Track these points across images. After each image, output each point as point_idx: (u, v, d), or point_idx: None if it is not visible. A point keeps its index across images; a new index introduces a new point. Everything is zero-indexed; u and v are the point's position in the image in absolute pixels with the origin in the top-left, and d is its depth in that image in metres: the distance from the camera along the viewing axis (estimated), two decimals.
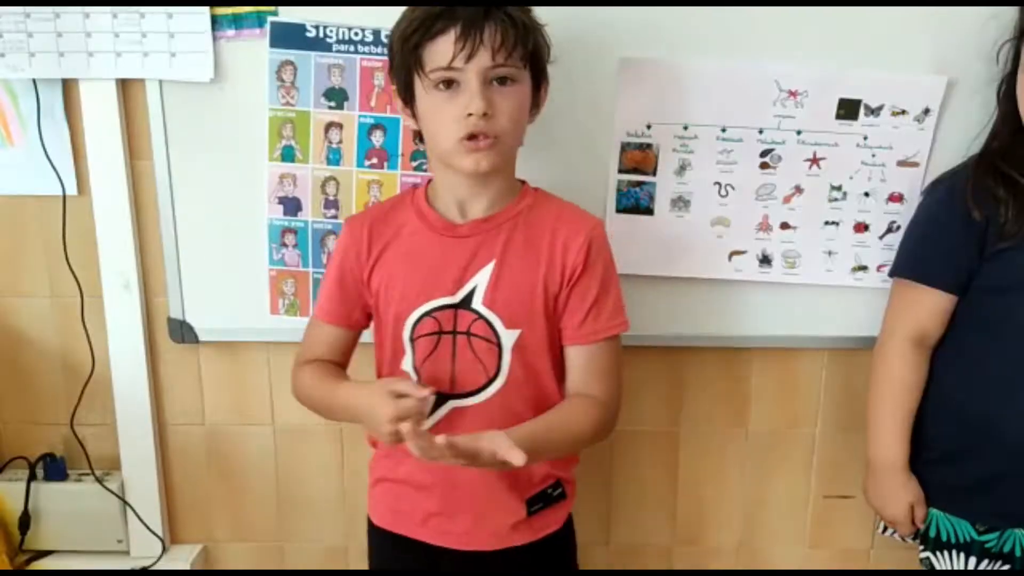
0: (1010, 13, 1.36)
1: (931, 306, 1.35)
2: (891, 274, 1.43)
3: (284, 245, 1.52)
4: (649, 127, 1.47)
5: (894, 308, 1.40)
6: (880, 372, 1.40)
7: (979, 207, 1.29)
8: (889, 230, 1.50)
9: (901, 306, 1.39)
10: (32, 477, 1.67)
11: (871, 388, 1.41)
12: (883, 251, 1.51)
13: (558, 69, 1.33)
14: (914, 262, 1.39)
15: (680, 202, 1.51)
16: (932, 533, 1.40)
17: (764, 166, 1.48)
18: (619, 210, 1.51)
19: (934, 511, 1.39)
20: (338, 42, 1.42)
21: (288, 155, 1.47)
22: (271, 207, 1.50)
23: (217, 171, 1.51)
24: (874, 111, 1.44)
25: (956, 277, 1.33)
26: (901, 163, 1.47)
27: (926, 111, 1.43)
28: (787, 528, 1.74)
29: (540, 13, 1.24)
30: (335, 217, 1.50)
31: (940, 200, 1.37)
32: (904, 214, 1.47)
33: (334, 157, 1.47)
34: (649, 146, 1.48)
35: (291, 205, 1.50)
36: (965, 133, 1.44)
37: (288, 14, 1.42)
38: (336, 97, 1.45)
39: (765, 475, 1.71)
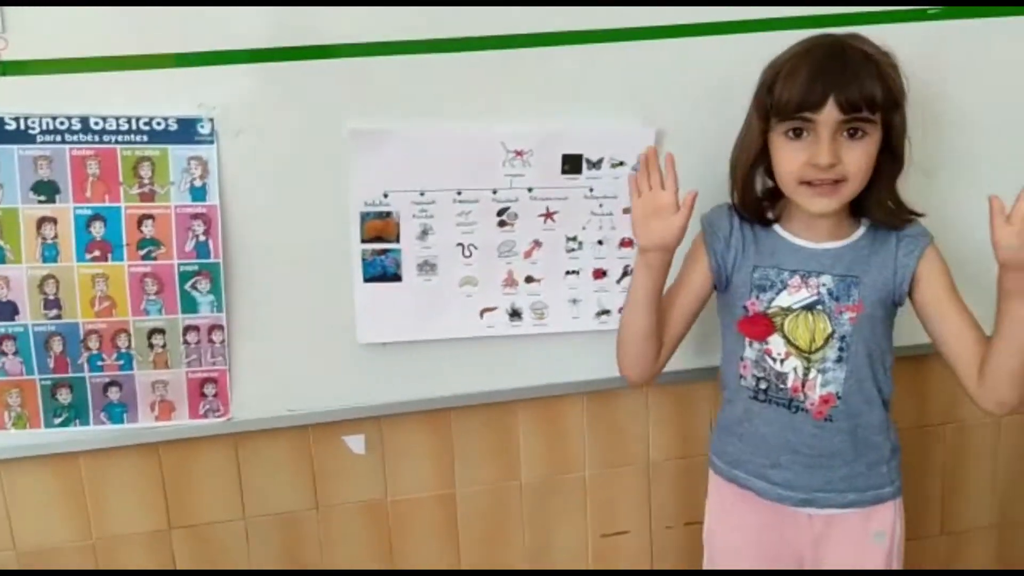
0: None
1: None
2: None
3: (3, 353, 1.40)
4: (386, 195, 1.47)
5: None
6: None
7: None
8: (625, 274, 1.58)
9: None
10: None
11: None
12: (622, 294, 1.57)
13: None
14: None
15: (426, 266, 1.52)
16: None
17: (502, 224, 1.52)
18: (366, 279, 1.50)
19: None
20: (42, 132, 1.34)
21: None
22: None
23: None
24: (595, 164, 1.52)
25: None
26: (627, 210, 1.52)
27: None
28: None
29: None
30: (58, 318, 1.40)
31: None
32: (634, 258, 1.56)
33: (50, 254, 1.38)
34: (389, 214, 1.48)
35: (6, 310, 1.38)
36: (680, 177, 1.55)
37: None
38: (46, 190, 1.36)
39: (544, 523, 1.73)
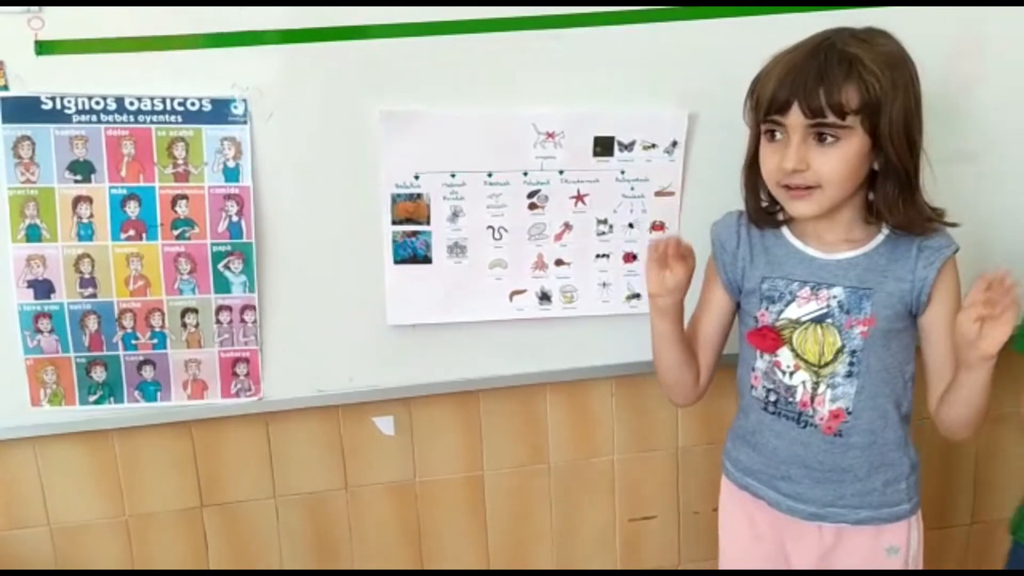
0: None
1: None
2: None
3: (39, 331, 1.41)
4: (417, 177, 1.47)
5: None
6: None
7: None
8: None
9: None
10: None
11: None
12: None
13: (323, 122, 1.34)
14: None
15: (457, 248, 1.52)
16: None
17: (533, 207, 1.52)
18: (397, 261, 1.51)
19: None
20: (78, 112, 1.35)
21: (34, 235, 1.38)
22: (20, 292, 1.40)
23: None
24: (627, 147, 1.51)
25: None
26: (658, 193, 1.55)
27: (674, 143, 1.51)
28: (598, 556, 1.77)
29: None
30: (93, 296, 1.41)
31: None
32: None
33: (85, 233, 1.39)
34: (420, 196, 1.48)
35: (42, 288, 1.40)
36: (713, 161, 1.54)
37: (20, 87, 1.33)
38: (82, 170, 1.37)
39: (571, 507, 1.74)
